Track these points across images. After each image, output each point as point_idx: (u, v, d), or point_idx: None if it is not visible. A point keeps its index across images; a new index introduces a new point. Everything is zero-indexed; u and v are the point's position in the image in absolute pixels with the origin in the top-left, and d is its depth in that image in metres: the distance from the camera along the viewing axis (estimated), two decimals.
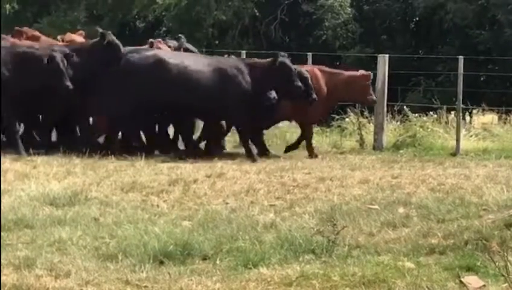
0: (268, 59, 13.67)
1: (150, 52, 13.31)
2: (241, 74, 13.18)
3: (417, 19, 29.32)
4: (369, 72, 14.65)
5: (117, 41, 13.09)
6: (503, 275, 5.96)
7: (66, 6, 31.61)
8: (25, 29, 15.14)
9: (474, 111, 18.08)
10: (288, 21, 28.95)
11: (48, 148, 12.60)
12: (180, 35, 15.70)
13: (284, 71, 13.13)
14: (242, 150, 13.56)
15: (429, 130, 15.85)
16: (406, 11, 29.18)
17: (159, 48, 14.15)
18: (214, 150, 13.54)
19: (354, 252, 6.93)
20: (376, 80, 15.34)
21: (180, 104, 12.91)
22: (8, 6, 28.93)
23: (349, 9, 28.79)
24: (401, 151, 14.77)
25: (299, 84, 13.09)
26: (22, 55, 12.71)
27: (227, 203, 9.05)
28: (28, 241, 7.17)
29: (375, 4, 29.59)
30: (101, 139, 13.82)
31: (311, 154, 13.77)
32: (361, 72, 14.74)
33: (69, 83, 12.27)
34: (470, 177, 10.66)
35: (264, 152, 13.71)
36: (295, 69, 13.28)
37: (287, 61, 13.33)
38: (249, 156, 13.04)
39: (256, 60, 14.38)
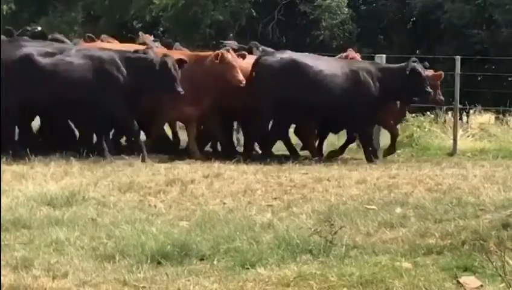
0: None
1: (285, 55, 13.41)
2: (372, 78, 13.38)
3: (414, 18, 29.29)
4: (441, 72, 14.54)
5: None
6: (500, 275, 5.97)
7: (63, 7, 31.54)
8: (103, 36, 15.10)
9: (471, 111, 18.14)
10: (285, 21, 28.94)
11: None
12: (255, 42, 15.60)
13: (417, 76, 13.26)
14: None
15: (426, 130, 15.88)
16: (403, 11, 29.17)
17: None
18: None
19: (352, 253, 6.92)
20: None
21: (313, 107, 13.12)
22: (5, 6, 28.89)
23: (346, 9, 28.76)
24: (398, 151, 14.77)
25: (430, 90, 13.29)
26: (132, 60, 12.54)
27: (224, 204, 9.05)
28: (26, 242, 7.16)
29: (372, 4, 29.59)
30: None
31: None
32: (431, 71, 14.55)
33: (180, 88, 12.23)
34: (467, 178, 10.67)
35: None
36: (426, 75, 13.50)
37: (419, 67, 13.46)
38: (369, 160, 13.26)
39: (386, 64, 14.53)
